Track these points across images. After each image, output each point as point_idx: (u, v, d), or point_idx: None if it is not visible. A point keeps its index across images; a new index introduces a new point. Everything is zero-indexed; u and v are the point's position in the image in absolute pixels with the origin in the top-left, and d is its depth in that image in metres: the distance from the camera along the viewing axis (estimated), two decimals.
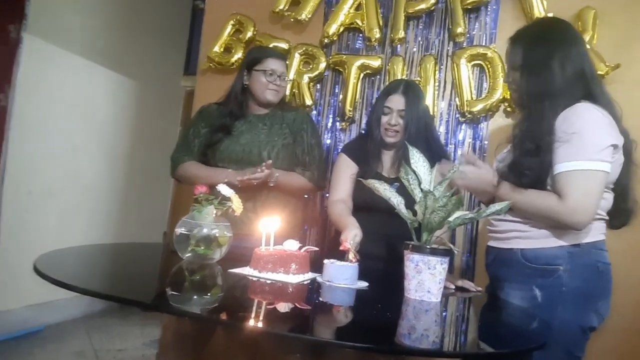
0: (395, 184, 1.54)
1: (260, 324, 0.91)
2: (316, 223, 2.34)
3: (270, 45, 2.34)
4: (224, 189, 1.40)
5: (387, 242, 1.63)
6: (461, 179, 1.33)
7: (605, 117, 1.25)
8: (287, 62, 2.17)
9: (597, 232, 1.30)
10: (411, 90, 1.72)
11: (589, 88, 1.29)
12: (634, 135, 1.89)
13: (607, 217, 1.33)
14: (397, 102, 1.70)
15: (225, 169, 1.81)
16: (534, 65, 1.32)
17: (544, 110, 1.26)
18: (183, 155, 1.88)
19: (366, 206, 1.67)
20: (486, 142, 2.14)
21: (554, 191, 1.25)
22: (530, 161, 1.26)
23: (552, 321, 1.20)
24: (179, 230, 1.33)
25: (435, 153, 1.67)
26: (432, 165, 1.23)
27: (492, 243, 1.43)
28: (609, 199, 1.32)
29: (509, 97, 2.07)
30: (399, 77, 2.21)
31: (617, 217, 1.35)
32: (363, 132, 2.12)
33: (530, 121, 1.30)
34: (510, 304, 1.31)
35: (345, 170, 1.77)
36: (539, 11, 2.05)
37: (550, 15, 2.00)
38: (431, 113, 2.16)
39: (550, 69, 1.28)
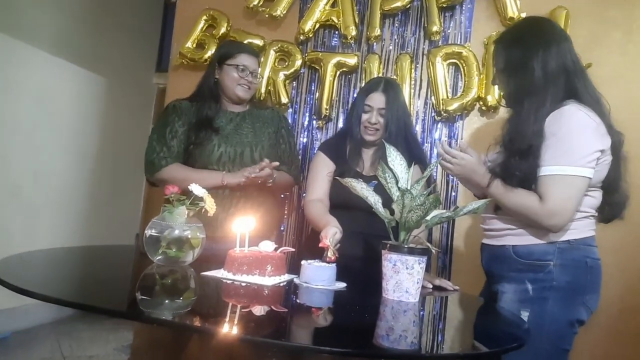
0: (373, 182, 1.52)
1: (234, 330, 0.87)
2: (292, 223, 2.31)
3: (245, 42, 2.28)
4: (196, 189, 1.35)
5: (366, 241, 1.62)
6: (458, 165, 1.35)
7: (592, 119, 1.26)
8: (261, 60, 2.14)
9: (586, 229, 1.33)
10: (391, 89, 1.71)
11: (573, 84, 1.31)
12: None
13: (595, 214, 1.36)
14: (377, 100, 1.69)
15: (215, 170, 1.74)
16: (515, 66, 1.34)
17: (530, 110, 1.28)
18: (164, 157, 1.76)
19: (344, 205, 1.65)
20: (462, 141, 2.15)
21: (537, 192, 1.27)
22: (519, 163, 1.28)
23: (542, 314, 1.26)
24: (149, 232, 1.27)
25: (414, 153, 1.66)
26: (409, 165, 1.22)
27: (485, 241, 1.46)
28: (597, 197, 1.34)
29: (483, 96, 2.08)
30: (375, 75, 2.20)
31: (608, 211, 1.38)
32: (341, 130, 2.09)
33: (517, 121, 1.32)
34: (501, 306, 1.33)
35: (323, 169, 1.74)
36: (512, 11, 2.07)
37: (526, 15, 2.02)
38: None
39: (530, 67, 1.30)
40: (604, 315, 1.91)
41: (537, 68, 1.30)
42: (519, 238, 1.34)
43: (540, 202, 1.26)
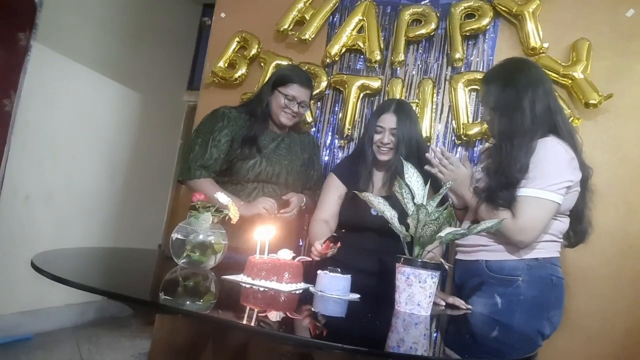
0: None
1: (252, 322, 0.92)
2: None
3: (274, 63, 2.37)
4: (221, 197, 1.43)
5: (377, 258, 1.66)
6: (451, 172, 1.49)
7: (568, 153, 1.40)
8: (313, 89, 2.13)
9: (552, 250, 1.47)
10: (402, 109, 1.76)
11: (554, 122, 1.44)
12: (628, 162, 1.97)
13: (561, 239, 1.50)
14: (389, 120, 1.74)
15: (236, 198, 1.76)
16: (507, 107, 1.45)
17: (520, 147, 1.39)
18: (200, 169, 1.81)
19: (356, 226, 1.73)
20: (464, 153, 2.20)
21: (511, 210, 1.38)
22: (504, 194, 1.39)
23: (510, 326, 1.36)
24: (175, 235, 1.35)
25: (426, 171, 1.70)
26: (425, 182, 1.27)
27: (460, 256, 1.57)
28: (565, 222, 1.48)
29: None
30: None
31: (574, 237, 1.53)
32: (354, 151, 2.14)
33: (505, 157, 1.41)
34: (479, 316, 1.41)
35: (333, 192, 1.81)
36: (535, 41, 2.11)
37: (548, 45, 2.09)
38: (428, 134, 2.21)
39: (521, 108, 1.42)
40: (619, 347, 1.90)
41: (527, 108, 1.41)
42: (491, 254, 1.45)
43: (513, 219, 1.37)
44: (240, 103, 2.02)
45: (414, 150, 1.73)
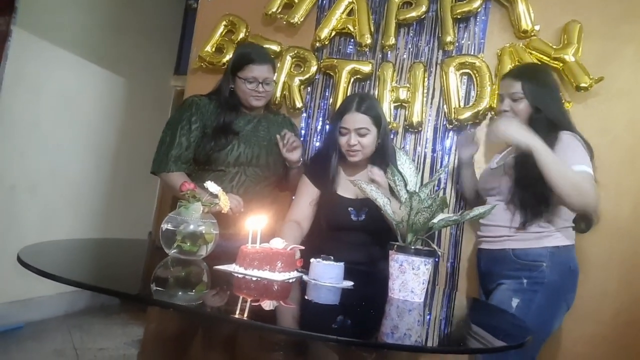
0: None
1: (244, 316, 0.91)
2: None
3: (264, 46, 2.33)
4: (211, 187, 1.41)
5: (366, 249, 1.68)
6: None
7: (583, 144, 1.58)
8: (277, 65, 2.14)
9: (570, 237, 1.64)
10: (365, 104, 1.71)
11: (569, 120, 1.69)
12: (618, 145, 1.99)
13: (573, 225, 1.66)
14: (352, 121, 1.69)
15: (231, 196, 1.68)
16: (539, 102, 1.64)
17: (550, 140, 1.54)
18: (173, 162, 1.79)
19: (338, 225, 1.73)
20: None
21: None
22: (530, 194, 1.57)
23: (530, 303, 1.53)
24: (165, 225, 1.33)
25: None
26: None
27: (484, 246, 1.72)
28: None
29: (495, 106, 2.11)
30: (389, 83, 2.24)
31: (583, 222, 1.67)
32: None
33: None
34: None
35: (305, 195, 1.79)
36: (526, 23, 2.09)
37: (539, 27, 2.10)
38: (419, 119, 2.19)
39: (548, 106, 1.64)
40: (609, 328, 1.93)
41: (553, 107, 1.65)
42: (517, 242, 1.60)
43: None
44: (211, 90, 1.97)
45: (384, 146, 1.73)
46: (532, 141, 1.48)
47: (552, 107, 1.64)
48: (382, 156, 1.72)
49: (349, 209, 1.71)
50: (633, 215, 1.96)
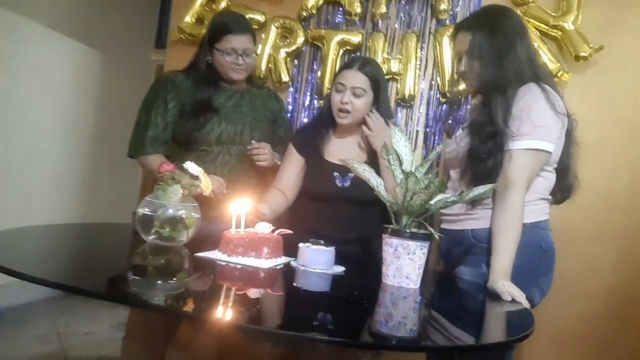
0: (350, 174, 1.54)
1: (227, 316, 0.83)
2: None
3: (247, 16, 2.19)
4: (191, 167, 1.31)
5: (353, 227, 1.60)
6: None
7: (555, 98, 1.31)
8: (258, 35, 2.01)
9: (540, 213, 1.37)
10: (370, 68, 1.63)
11: (536, 71, 1.37)
12: (617, 117, 1.92)
13: (549, 197, 1.41)
14: (351, 78, 1.60)
15: (214, 177, 1.57)
16: (494, 55, 1.37)
17: (508, 98, 1.32)
18: (150, 145, 1.69)
19: (322, 197, 1.65)
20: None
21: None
22: (490, 145, 1.31)
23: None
24: (142, 210, 1.23)
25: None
26: None
27: (445, 225, 1.48)
28: (551, 179, 1.38)
29: None
30: (380, 55, 2.13)
31: (560, 192, 1.43)
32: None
33: (490, 107, 1.33)
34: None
35: (289, 162, 1.73)
36: None
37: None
38: (412, 92, 2.10)
39: (509, 57, 1.35)
40: (602, 304, 1.90)
41: (515, 57, 1.35)
42: (477, 222, 1.36)
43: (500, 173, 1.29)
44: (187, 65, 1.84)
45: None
46: None
47: (511, 57, 1.35)
48: None
49: (334, 173, 1.64)
50: (631, 190, 1.91)
